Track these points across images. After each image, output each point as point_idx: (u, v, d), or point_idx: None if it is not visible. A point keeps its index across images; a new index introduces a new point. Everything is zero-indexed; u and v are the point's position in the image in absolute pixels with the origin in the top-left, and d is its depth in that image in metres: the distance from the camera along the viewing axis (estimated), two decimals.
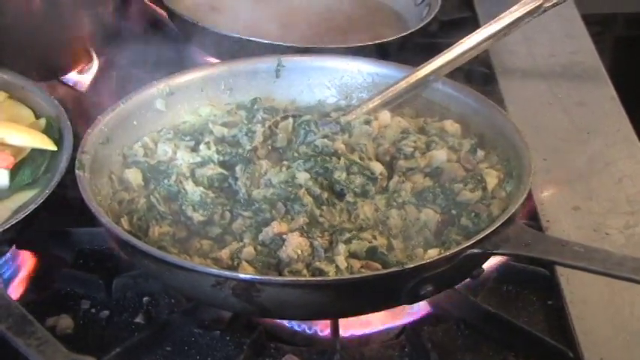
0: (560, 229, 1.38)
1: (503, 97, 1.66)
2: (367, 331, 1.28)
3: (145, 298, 1.30)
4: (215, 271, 1.13)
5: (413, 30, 1.69)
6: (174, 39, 1.73)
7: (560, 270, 1.31)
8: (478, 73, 1.70)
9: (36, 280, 1.33)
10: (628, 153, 1.55)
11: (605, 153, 1.55)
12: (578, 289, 1.29)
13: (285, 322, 1.28)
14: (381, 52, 1.61)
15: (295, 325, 1.27)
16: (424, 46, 1.72)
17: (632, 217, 1.42)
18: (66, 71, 1.68)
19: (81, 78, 1.71)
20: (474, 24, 1.90)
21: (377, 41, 1.63)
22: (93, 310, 1.29)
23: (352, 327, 1.27)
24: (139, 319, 1.27)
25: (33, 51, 1.60)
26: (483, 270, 1.25)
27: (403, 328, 1.28)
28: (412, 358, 1.22)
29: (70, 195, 1.32)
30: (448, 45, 1.76)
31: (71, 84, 1.69)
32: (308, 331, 1.28)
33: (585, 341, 1.22)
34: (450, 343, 1.24)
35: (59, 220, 1.40)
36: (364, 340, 1.28)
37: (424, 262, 1.14)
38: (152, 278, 1.28)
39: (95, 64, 1.72)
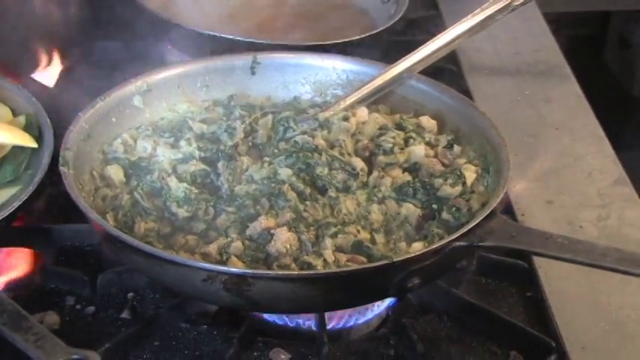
0: (535, 223, 1.41)
1: (472, 94, 1.69)
2: (350, 323, 1.30)
3: (130, 294, 1.31)
4: (207, 265, 1.14)
5: (384, 27, 1.71)
6: (142, 35, 1.73)
7: (538, 262, 1.34)
8: (446, 71, 1.72)
9: (18, 277, 1.32)
10: (596, 148, 1.59)
11: (574, 148, 1.59)
12: (556, 281, 1.32)
13: (269, 317, 1.29)
14: (352, 49, 1.63)
15: (279, 319, 1.28)
16: (391, 44, 1.75)
17: (603, 209, 1.45)
18: (33, 69, 1.67)
19: (48, 75, 1.70)
20: (438, 22, 1.94)
21: (352, 38, 1.65)
22: (78, 307, 1.29)
23: (333, 320, 1.29)
24: (125, 315, 1.28)
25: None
26: (465, 262, 1.29)
27: (383, 320, 1.31)
28: (398, 350, 1.24)
29: (48, 192, 1.33)
30: (414, 42, 1.79)
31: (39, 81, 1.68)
32: (290, 324, 1.29)
33: (566, 331, 1.25)
34: (434, 334, 1.27)
35: (39, 216, 1.40)
36: (346, 332, 1.30)
37: (412, 255, 1.16)
38: (139, 274, 1.29)
39: (60, 62, 1.72)
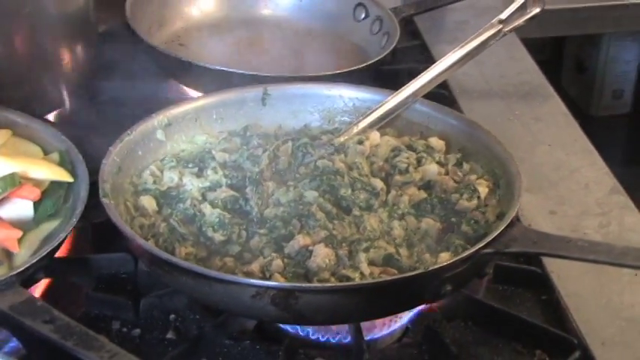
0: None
1: (465, 115, 1.78)
2: (378, 334, 1.38)
3: (172, 316, 1.37)
4: (257, 282, 1.21)
5: (380, 57, 1.80)
6: (152, 74, 1.80)
7: (549, 267, 1.44)
8: (439, 96, 1.81)
9: (61, 307, 1.38)
10: (589, 161, 1.69)
11: (568, 162, 1.69)
12: (569, 284, 1.41)
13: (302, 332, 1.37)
14: (352, 79, 1.72)
15: (318, 334, 1.36)
16: (382, 73, 1.85)
17: (603, 217, 1.55)
18: (49, 110, 1.73)
19: (63, 115, 1.76)
20: (424, 51, 2.04)
21: (354, 67, 1.74)
22: (124, 330, 1.35)
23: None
24: (170, 335, 1.34)
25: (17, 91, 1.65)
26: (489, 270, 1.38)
27: (405, 331, 1.39)
28: (431, 355, 1.32)
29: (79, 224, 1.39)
30: (402, 71, 1.89)
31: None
32: (322, 338, 1.37)
33: (585, 329, 1.34)
34: (463, 338, 1.35)
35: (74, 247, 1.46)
36: (374, 343, 1.37)
37: (445, 263, 1.25)
38: (180, 296, 1.36)
39: (72, 102, 1.78)
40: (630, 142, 3.31)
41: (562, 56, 3.28)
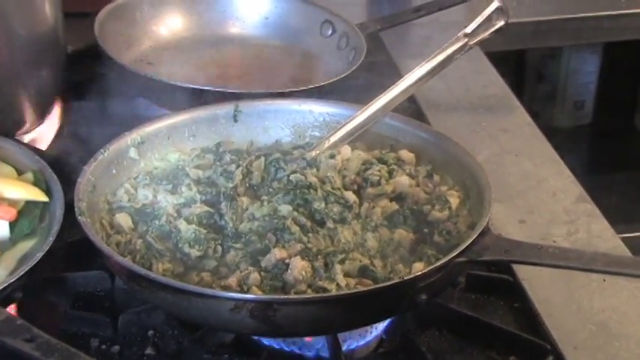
0: None
1: (433, 127, 1.81)
2: (353, 345, 1.40)
3: (150, 332, 1.38)
4: (236, 295, 1.23)
5: (349, 72, 1.82)
6: (120, 93, 1.82)
7: (521, 275, 1.46)
8: (407, 109, 1.83)
9: (38, 326, 1.38)
10: (556, 170, 1.73)
11: (535, 172, 1.72)
12: (540, 291, 1.44)
13: (277, 345, 1.38)
14: (322, 94, 1.74)
15: (293, 347, 1.37)
16: (349, 88, 1.87)
17: (572, 225, 1.59)
18: (21, 130, 1.74)
19: (33, 135, 1.78)
20: (390, 66, 2.06)
21: (322, 83, 1.76)
22: (104, 347, 1.36)
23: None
24: (149, 351, 1.35)
25: None
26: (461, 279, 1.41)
27: (380, 341, 1.41)
28: None
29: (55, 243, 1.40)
30: (370, 85, 1.92)
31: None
32: (299, 351, 1.38)
33: (557, 334, 1.37)
34: (438, 346, 1.37)
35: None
36: (350, 355, 1.39)
37: (420, 273, 1.27)
38: (158, 312, 1.37)
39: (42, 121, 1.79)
40: (592, 152, 3.36)
41: (524, 68, 3.32)
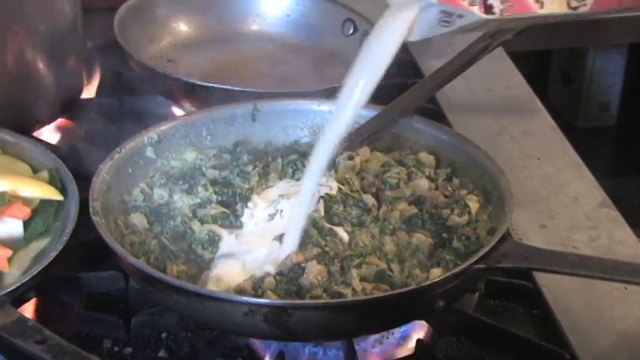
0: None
1: (454, 130, 1.79)
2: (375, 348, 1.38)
3: (164, 334, 1.36)
4: (250, 299, 1.21)
5: None
6: (139, 91, 1.81)
7: (541, 281, 1.44)
8: (428, 110, 1.81)
9: (51, 326, 1.37)
10: (578, 175, 1.70)
11: (557, 176, 1.70)
12: (560, 298, 1.42)
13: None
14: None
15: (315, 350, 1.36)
16: None
17: (593, 231, 1.56)
18: (37, 127, 1.73)
19: (50, 133, 1.76)
20: (411, 66, 2.04)
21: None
22: (116, 349, 1.35)
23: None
24: (162, 354, 1.34)
25: (5, 109, 1.65)
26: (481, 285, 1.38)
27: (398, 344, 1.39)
28: None
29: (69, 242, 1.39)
30: (390, 86, 1.89)
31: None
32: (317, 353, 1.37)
33: (577, 343, 1.34)
34: (455, 354, 1.35)
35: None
36: (372, 357, 1.37)
37: (437, 279, 1.25)
38: (172, 314, 1.35)
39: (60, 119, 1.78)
40: (616, 154, 3.32)
41: (548, 68, 3.29)
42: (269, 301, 1.22)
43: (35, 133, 1.72)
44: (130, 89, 1.82)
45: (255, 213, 1.42)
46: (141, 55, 1.82)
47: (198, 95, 1.68)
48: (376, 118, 1.58)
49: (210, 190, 1.46)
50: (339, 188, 1.44)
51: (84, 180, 1.43)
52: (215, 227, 1.39)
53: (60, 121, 1.77)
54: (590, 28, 2.77)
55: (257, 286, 1.27)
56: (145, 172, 1.51)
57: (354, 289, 1.27)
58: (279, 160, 1.52)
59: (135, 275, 1.31)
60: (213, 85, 1.68)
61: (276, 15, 2.07)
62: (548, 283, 1.43)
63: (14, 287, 1.25)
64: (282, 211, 1.40)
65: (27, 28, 1.65)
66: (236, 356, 1.33)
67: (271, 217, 1.40)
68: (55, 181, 1.44)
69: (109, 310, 1.40)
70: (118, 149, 1.48)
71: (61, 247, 1.31)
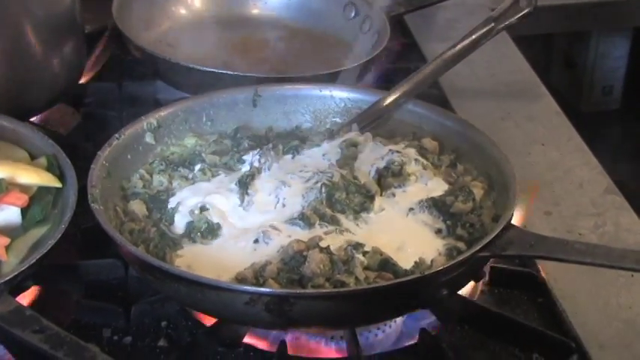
0: (538, 233, 1.49)
1: (458, 115, 1.76)
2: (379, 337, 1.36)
3: (164, 323, 1.35)
4: (251, 288, 1.19)
5: (372, 55, 1.78)
6: (139, 76, 1.78)
7: (545, 269, 1.42)
8: (431, 95, 1.79)
9: (50, 315, 1.35)
10: (583, 160, 1.68)
11: (562, 162, 1.68)
12: (565, 287, 1.40)
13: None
14: (344, 78, 1.70)
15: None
16: (372, 73, 1.83)
17: (599, 217, 1.54)
18: (35, 113, 1.71)
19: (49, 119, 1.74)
20: (414, 50, 2.02)
21: (344, 67, 1.71)
22: (115, 338, 1.33)
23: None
24: (162, 343, 1.32)
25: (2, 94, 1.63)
26: (485, 273, 1.36)
27: (402, 332, 1.37)
28: (428, 359, 1.30)
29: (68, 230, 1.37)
30: (394, 70, 1.87)
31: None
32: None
33: (582, 332, 1.33)
34: (459, 342, 1.33)
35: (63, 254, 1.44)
36: (375, 346, 1.35)
37: (441, 267, 1.23)
38: (172, 303, 1.33)
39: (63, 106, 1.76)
40: (620, 138, 3.30)
41: (551, 52, 3.26)
42: (270, 290, 1.20)
43: (33, 119, 1.70)
44: (129, 74, 1.80)
45: (256, 199, 1.40)
46: (140, 39, 1.79)
47: (198, 80, 1.66)
48: (378, 103, 1.55)
49: (209, 174, 1.45)
50: (341, 175, 1.41)
51: (82, 167, 1.40)
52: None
53: (58, 106, 1.74)
54: (594, 12, 2.74)
55: (258, 275, 1.25)
56: (145, 159, 1.49)
57: (357, 278, 1.25)
58: (280, 146, 1.49)
59: (134, 264, 1.29)
60: (213, 69, 1.66)
61: None
62: (553, 271, 1.41)
63: (12, 276, 1.23)
64: (284, 198, 1.38)
65: (24, 11, 1.63)
66: (237, 346, 1.31)
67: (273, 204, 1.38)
68: (53, 168, 1.42)
69: (109, 299, 1.38)
70: (116, 135, 1.45)
71: (60, 234, 1.29)
